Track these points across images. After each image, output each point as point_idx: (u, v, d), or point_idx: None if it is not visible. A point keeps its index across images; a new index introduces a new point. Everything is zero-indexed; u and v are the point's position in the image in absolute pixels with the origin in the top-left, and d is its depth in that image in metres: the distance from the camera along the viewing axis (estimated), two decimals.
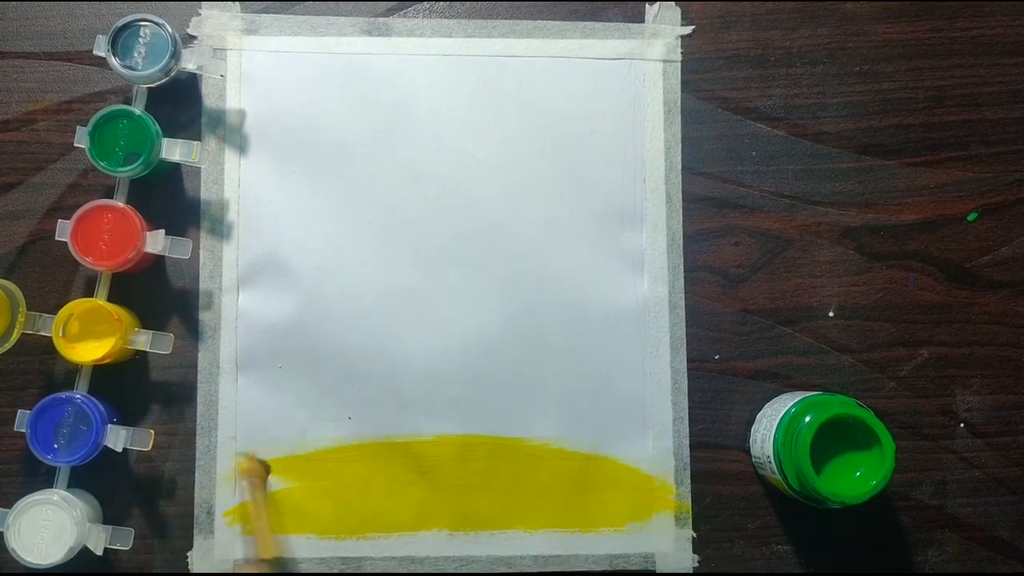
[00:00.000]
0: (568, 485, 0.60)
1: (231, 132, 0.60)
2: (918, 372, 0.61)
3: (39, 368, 0.59)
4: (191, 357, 0.59)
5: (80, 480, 0.57)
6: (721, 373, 0.61)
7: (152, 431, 0.56)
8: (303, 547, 0.58)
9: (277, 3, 0.62)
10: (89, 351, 0.55)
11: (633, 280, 0.61)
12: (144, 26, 0.57)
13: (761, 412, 0.60)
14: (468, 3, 0.62)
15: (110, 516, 0.58)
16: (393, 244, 0.60)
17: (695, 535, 0.60)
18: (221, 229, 0.60)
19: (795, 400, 0.57)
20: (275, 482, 0.58)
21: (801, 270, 0.62)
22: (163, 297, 0.59)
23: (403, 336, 0.60)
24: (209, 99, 0.61)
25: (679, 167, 0.62)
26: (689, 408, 0.60)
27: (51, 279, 0.59)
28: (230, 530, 0.58)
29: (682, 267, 0.61)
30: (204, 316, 0.59)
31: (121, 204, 0.56)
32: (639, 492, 0.60)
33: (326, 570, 0.58)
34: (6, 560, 0.54)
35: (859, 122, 0.63)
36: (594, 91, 0.62)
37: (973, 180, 0.63)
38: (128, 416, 0.58)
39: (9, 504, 0.54)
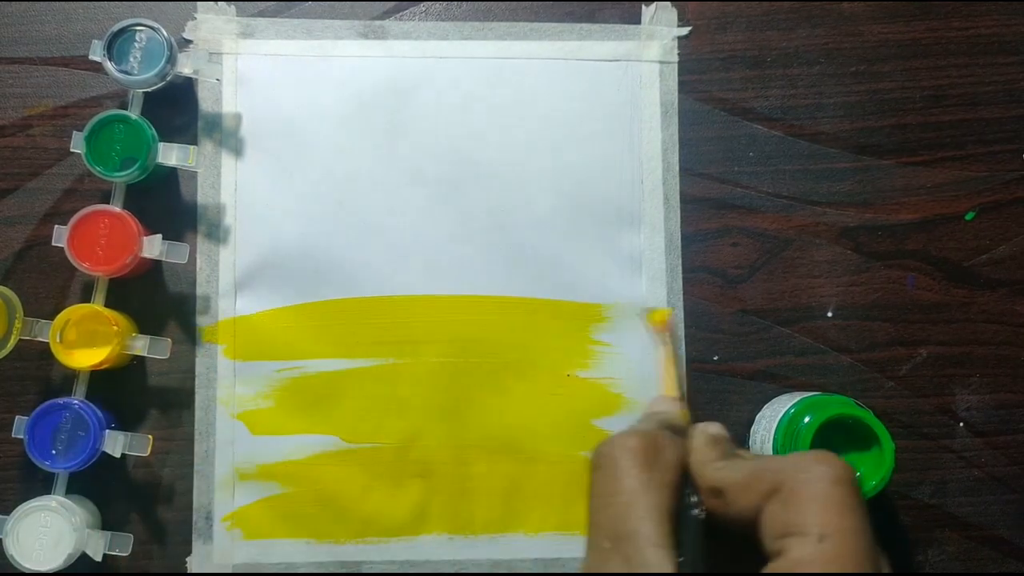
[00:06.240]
0: (568, 487, 0.59)
1: (227, 136, 0.60)
2: (917, 371, 0.61)
3: (36, 374, 0.58)
4: (188, 362, 0.59)
5: (78, 486, 0.57)
6: (720, 374, 0.61)
7: (150, 436, 0.56)
8: (302, 551, 0.58)
9: (273, 6, 0.61)
10: (86, 357, 0.55)
11: (631, 281, 0.61)
12: (140, 31, 0.57)
13: (760, 413, 0.60)
14: (464, 5, 0.62)
15: (109, 522, 0.58)
16: (391, 247, 0.60)
17: None
18: (218, 233, 0.60)
19: (794, 400, 0.57)
20: (273, 487, 0.58)
21: (799, 270, 0.62)
22: (160, 302, 0.59)
23: (402, 342, 0.60)
24: (205, 103, 0.60)
25: (676, 168, 0.62)
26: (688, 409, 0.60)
27: (48, 285, 0.59)
28: (229, 535, 0.58)
29: (680, 268, 0.61)
30: (201, 320, 0.59)
31: (118, 209, 0.56)
32: None
33: (324, 572, 0.58)
34: (5, 566, 0.54)
35: (856, 122, 0.63)
36: (591, 93, 0.62)
37: (970, 179, 0.63)
38: (126, 421, 0.58)
39: (8, 510, 0.54)
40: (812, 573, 0.29)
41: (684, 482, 0.34)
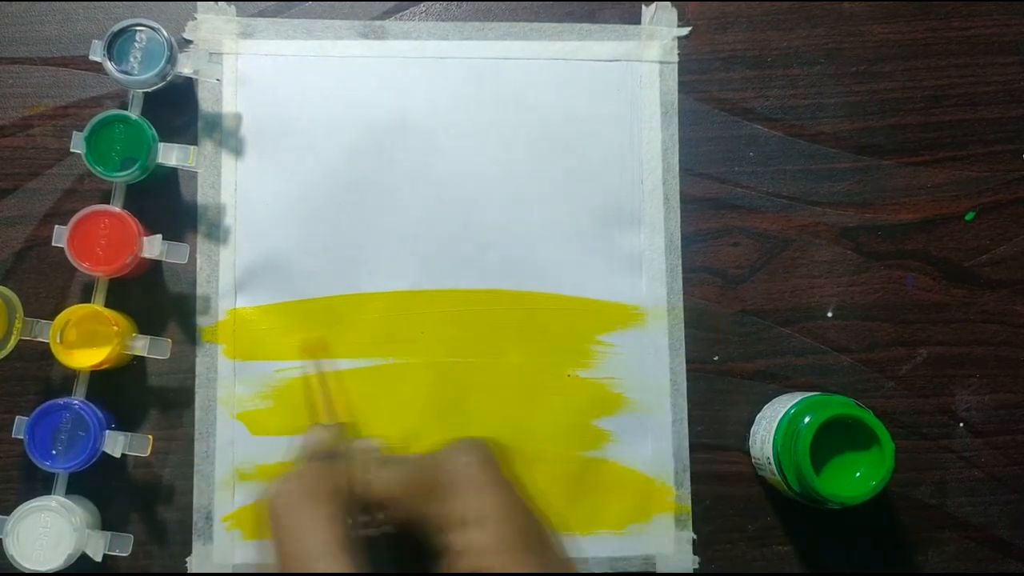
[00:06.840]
0: (567, 488, 0.59)
1: (227, 136, 0.60)
2: (917, 372, 0.61)
3: (36, 374, 0.58)
4: (189, 362, 0.59)
5: (78, 486, 0.57)
6: (720, 374, 0.61)
7: (150, 436, 0.56)
8: None
9: (273, 6, 0.61)
10: (87, 357, 0.55)
11: (631, 281, 0.61)
12: (140, 31, 0.57)
13: (760, 413, 0.60)
14: (464, 5, 0.62)
15: (109, 522, 0.58)
16: (391, 248, 0.60)
17: (695, 536, 0.59)
18: (218, 233, 0.60)
19: (794, 401, 0.57)
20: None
21: (799, 270, 0.62)
22: (160, 302, 0.59)
23: (402, 341, 0.60)
24: (205, 103, 0.60)
25: (676, 168, 0.62)
26: (688, 409, 0.60)
27: (48, 285, 0.59)
28: (229, 535, 0.58)
29: (680, 268, 0.61)
30: (201, 320, 0.59)
31: (118, 209, 0.56)
32: (639, 494, 0.60)
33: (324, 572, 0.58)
34: (5, 566, 0.54)
35: (856, 122, 0.63)
36: (591, 93, 0.62)
37: (970, 179, 0.63)
38: (126, 422, 0.58)
39: (8, 510, 0.54)
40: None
41: (354, 505, 0.34)
